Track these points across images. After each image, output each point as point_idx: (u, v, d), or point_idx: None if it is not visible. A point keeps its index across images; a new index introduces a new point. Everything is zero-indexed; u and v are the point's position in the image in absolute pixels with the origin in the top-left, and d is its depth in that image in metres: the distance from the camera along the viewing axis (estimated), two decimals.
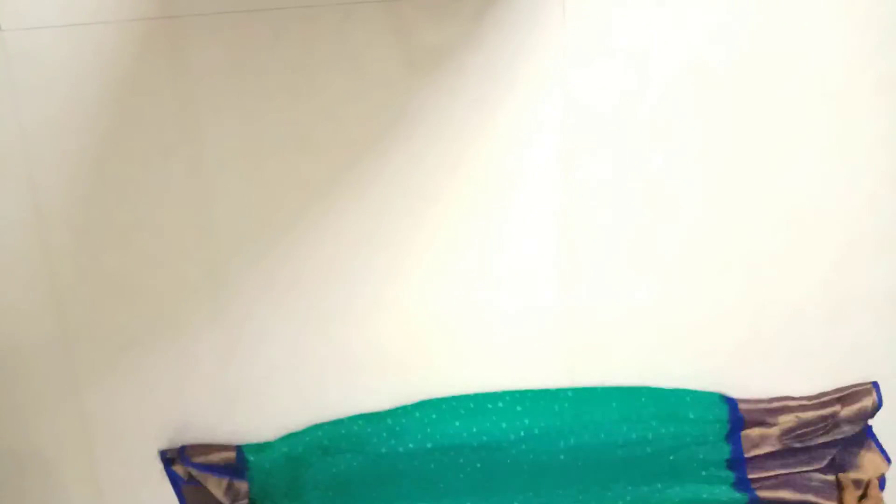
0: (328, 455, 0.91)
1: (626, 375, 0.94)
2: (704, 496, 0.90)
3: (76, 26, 0.85)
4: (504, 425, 0.87)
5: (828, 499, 0.92)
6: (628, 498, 0.90)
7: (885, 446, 0.94)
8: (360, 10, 0.84)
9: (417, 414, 0.90)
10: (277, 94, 0.87)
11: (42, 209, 0.92)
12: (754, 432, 0.90)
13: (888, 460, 0.93)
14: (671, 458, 0.89)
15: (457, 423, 0.88)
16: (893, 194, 0.90)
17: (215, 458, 0.92)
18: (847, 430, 0.91)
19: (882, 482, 0.94)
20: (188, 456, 0.92)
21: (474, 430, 0.87)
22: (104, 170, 0.90)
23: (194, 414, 0.98)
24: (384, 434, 0.89)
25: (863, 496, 0.91)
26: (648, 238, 0.91)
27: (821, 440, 0.91)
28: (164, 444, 0.99)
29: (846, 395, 0.91)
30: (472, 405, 0.89)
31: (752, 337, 0.94)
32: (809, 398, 0.91)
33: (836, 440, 0.91)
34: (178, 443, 0.98)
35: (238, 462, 0.93)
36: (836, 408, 0.89)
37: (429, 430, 0.88)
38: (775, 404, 0.90)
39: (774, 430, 0.90)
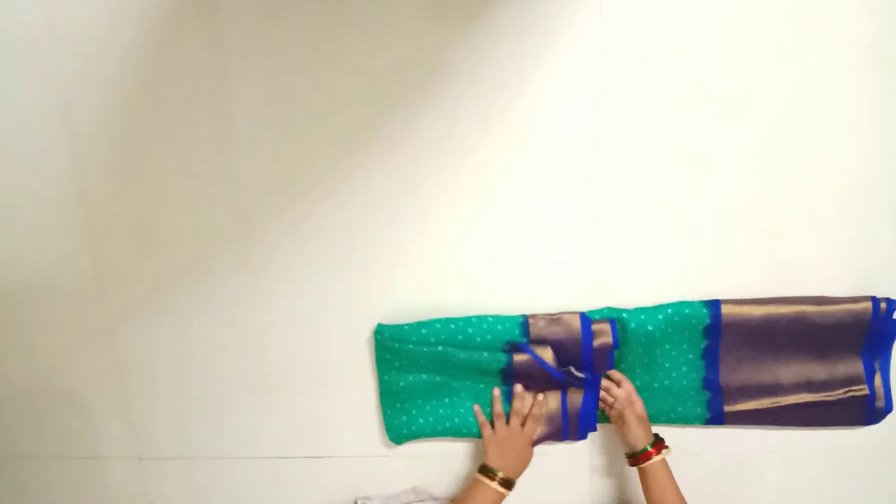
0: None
1: None
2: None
3: None
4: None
5: None
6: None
7: None
8: None
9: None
10: (307, 44, 0.89)
11: (79, 156, 0.95)
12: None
13: None
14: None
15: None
16: None
17: None
18: None
19: None
20: None
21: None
22: (138, 118, 0.93)
23: (223, 356, 1.03)
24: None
25: None
26: (676, 201, 0.92)
27: None
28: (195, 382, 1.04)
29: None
30: None
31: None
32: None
33: None
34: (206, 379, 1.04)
35: None
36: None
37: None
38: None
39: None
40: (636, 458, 0.91)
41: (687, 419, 0.98)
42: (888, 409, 0.96)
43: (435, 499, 1.04)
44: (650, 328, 0.92)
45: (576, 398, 0.95)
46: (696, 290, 0.94)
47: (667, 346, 0.95)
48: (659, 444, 0.92)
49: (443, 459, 1.04)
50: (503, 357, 0.93)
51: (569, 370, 0.93)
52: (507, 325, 0.93)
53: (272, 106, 0.92)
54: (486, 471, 0.93)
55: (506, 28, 0.87)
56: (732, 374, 0.96)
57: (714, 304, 0.93)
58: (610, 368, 0.95)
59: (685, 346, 0.95)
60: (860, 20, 0.85)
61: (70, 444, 1.10)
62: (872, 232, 0.92)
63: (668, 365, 0.96)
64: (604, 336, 0.92)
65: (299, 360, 1.02)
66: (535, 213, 0.94)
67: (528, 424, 0.95)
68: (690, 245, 0.94)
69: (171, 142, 0.94)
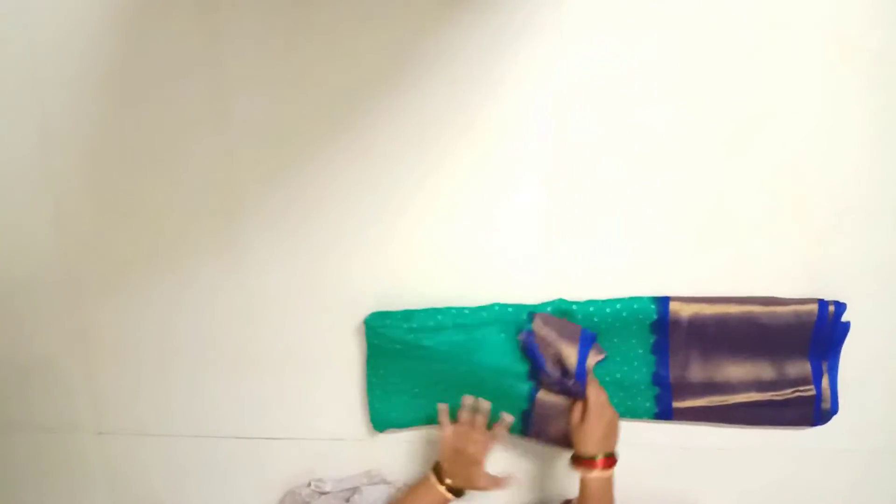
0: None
1: None
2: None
3: None
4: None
5: None
6: None
7: None
8: None
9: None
10: (293, 38, 0.91)
11: (49, 130, 0.97)
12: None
13: None
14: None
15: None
16: (878, 167, 0.90)
17: None
18: None
19: None
20: None
21: None
22: (112, 93, 0.95)
23: (186, 334, 1.04)
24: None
25: None
26: (632, 198, 0.93)
27: None
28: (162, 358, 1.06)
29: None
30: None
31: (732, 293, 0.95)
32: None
33: None
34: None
35: None
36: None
37: None
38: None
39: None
40: (581, 461, 0.86)
41: (636, 413, 0.99)
42: (833, 411, 0.97)
43: (388, 483, 1.05)
44: (596, 320, 0.94)
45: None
46: (651, 287, 0.95)
47: (615, 340, 0.96)
48: (610, 458, 0.87)
49: (402, 446, 1.06)
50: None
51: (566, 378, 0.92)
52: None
53: (261, 94, 0.93)
54: (437, 471, 0.94)
55: (472, 27, 0.88)
56: (682, 370, 0.97)
57: (662, 301, 0.94)
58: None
59: (634, 341, 0.96)
60: (821, 15, 0.85)
61: (31, 415, 1.12)
62: (828, 235, 0.93)
63: (618, 359, 0.97)
64: None
65: (260, 342, 1.03)
66: (497, 208, 0.95)
67: (480, 442, 0.92)
68: (646, 242, 0.94)
69: (157, 124, 0.96)
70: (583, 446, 0.86)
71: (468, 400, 0.97)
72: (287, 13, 0.90)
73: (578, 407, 0.90)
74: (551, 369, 0.91)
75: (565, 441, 0.93)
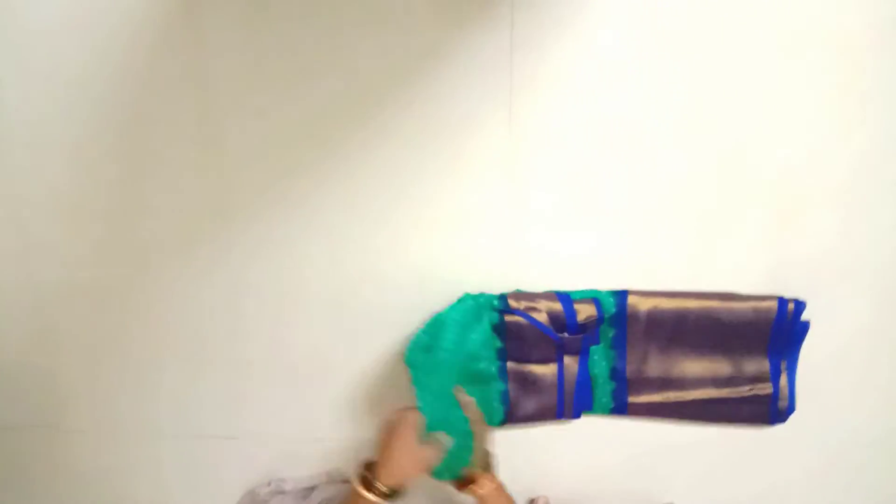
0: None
1: None
2: None
3: None
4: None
5: None
6: None
7: None
8: None
9: None
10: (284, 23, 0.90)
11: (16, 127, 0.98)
12: None
13: None
14: None
15: None
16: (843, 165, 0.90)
17: None
18: None
19: None
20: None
21: None
22: (84, 88, 0.95)
23: (150, 329, 1.05)
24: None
25: None
26: (595, 190, 0.92)
27: None
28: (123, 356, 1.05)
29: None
30: None
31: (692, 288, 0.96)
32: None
33: None
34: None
35: None
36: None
37: None
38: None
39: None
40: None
41: (593, 409, 0.99)
42: (790, 410, 0.97)
43: (348, 482, 1.04)
44: None
45: (573, 369, 0.95)
46: (611, 280, 0.95)
47: None
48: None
49: (365, 445, 1.05)
50: (494, 316, 0.93)
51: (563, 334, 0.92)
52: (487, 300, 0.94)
53: (249, 98, 0.93)
54: (364, 478, 0.85)
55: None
56: (639, 365, 0.97)
57: (621, 295, 0.94)
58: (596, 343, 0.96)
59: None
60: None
61: None
62: (789, 232, 0.93)
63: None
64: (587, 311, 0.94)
65: (221, 341, 1.03)
66: (465, 202, 0.95)
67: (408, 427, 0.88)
68: (606, 235, 0.94)
69: (138, 124, 0.96)
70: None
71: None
72: (274, 22, 0.90)
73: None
74: (548, 327, 0.92)
75: (546, 413, 0.94)
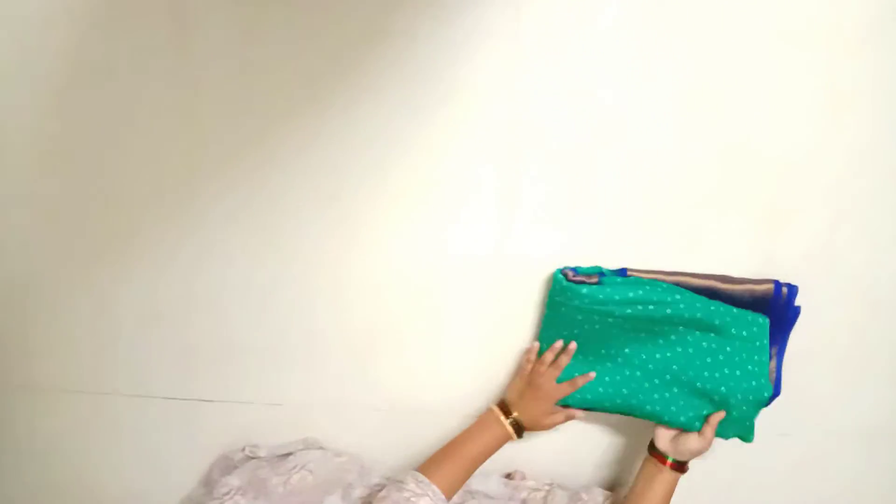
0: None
1: None
2: None
3: None
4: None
5: None
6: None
7: None
8: None
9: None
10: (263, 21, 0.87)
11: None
12: None
13: None
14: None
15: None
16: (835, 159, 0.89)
17: None
18: None
19: None
20: None
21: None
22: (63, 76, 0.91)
23: (118, 286, 1.01)
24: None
25: None
26: (594, 170, 0.90)
27: None
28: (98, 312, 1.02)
29: None
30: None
31: None
32: None
33: None
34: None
35: None
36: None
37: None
38: None
39: None
40: (671, 463, 0.91)
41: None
42: (775, 394, 0.97)
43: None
44: None
45: None
46: (612, 259, 0.94)
47: None
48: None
49: (342, 413, 1.04)
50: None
51: None
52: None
53: (227, 84, 0.90)
54: (503, 405, 0.93)
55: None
56: None
57: (620, 272, 0.92)
58: None
59: None
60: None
61: None
62: (781, 219, 0.92)
63: None
64: None
65: (199, 302, 1.00)
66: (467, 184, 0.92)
67: (557, 384, 0.92)
68: (607, 214, 0.92)
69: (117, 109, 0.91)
70: (684, 453, 0.91)
71: (558, 344, 0.93)
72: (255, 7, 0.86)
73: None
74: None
75: None
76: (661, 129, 0.88)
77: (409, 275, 0.97)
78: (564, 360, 0.92)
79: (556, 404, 0.93)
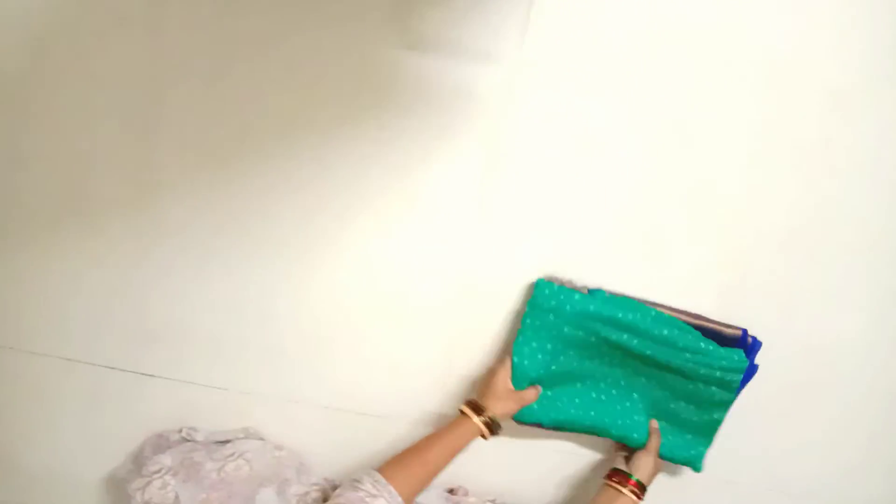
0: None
1: None
2: None
3: None
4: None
5: None
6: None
7: None
8: None
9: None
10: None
11: None
12: None
13: None
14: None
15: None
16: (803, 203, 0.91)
17: None
18: None
19: None
20: None
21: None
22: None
23: (82, 244, 0.97)
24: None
25: None
26: (569, 190, 0.91)
27: None
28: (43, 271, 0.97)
29: None
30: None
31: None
32: None
33: None
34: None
35: None
36: None
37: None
38: None
39: None
40: (634, 482, 0.90)
41: None
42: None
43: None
44: None
45: None
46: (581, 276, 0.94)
47: None
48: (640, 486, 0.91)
49: (285, 406, 1.00)
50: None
51: None
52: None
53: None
54: (473, 404, 0.90)
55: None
56: None
57: (598, 293, 0.92)
58: None
59: None
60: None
61: None
62: (745, 258, 0.93)
63: None
64: None
65: (154, 271, 0.96)
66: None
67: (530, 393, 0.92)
68: (580, 232, 0.92)
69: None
70: (638, 470, 0.92)
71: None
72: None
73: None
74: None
75: None
76: (639, 154, 0.89)
77: (375, 277, 0.95)
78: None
79: (523, 423, 0.93)
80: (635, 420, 0.95)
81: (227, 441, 0.97)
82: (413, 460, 0.84)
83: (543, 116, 0.87)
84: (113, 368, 1.00)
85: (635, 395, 0.95)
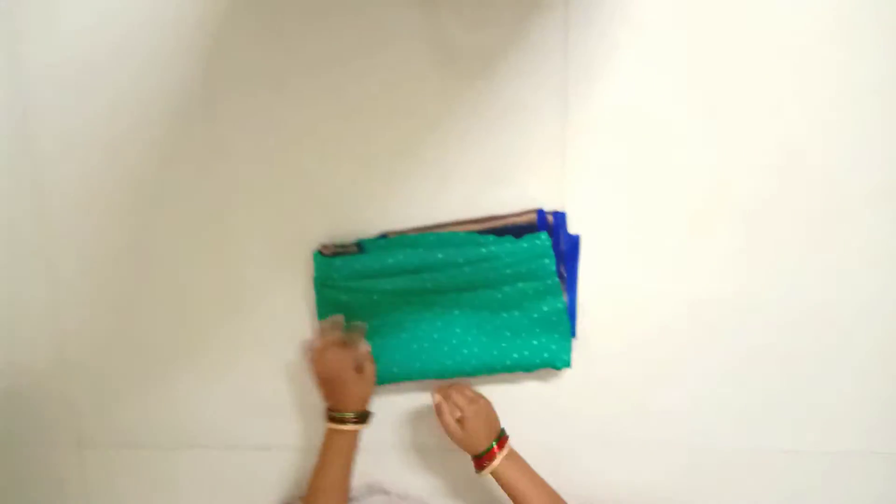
0: None
1: None
2: None
3: None
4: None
5: None
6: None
7: None
8: None
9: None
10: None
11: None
12: None
13: None
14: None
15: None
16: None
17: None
18: None
19: None
20: None
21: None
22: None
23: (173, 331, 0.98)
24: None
25: None
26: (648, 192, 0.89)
27: None
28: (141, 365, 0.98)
29: None
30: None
31: None
32: None
33: None
34: None
35: None
36: None
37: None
38: None
39: None
40: (481, 459, 0.85)
41: None
42: (572, 321, 0.92)
43: (387, 493, 0.98)
44: None
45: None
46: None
47: None
48: (502, 438, 0.86)
49: (393, 455, 0.99)
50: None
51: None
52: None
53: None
54: (331, 418, 0.85)
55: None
56: None
57: (381, 238, 0.89)
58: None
59: None
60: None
61: (8, 429, 1.04)
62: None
63: None
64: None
65: (256, 341, 0.97)
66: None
67: (342, 352, 0.85)
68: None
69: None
70: (475, 449, 0.85)
71: (323, 324, 0.90)
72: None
73: (449, 419, 0.85)
74: None
75: None
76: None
77: None
78: (333, 337, 0.86)
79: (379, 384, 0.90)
80: (466, 352, 0.90)
81: (353, 500, 0.97)
82: (317, 498, 0.84)
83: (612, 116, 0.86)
84: (227, 447, 1.01)
85: (458, 330, 0.90)
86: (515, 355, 0.91)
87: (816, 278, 0.89)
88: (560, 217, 0.88)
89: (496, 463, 0.84)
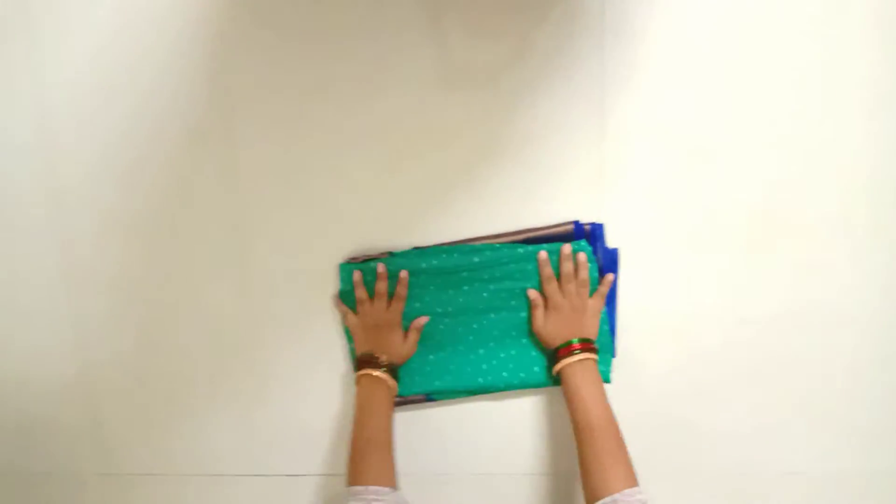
0: None
1: None
2: None
3: None
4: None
5: None
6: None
7: None
8: None
9: None
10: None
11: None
12: None
13: None
14: None
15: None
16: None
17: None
18: None
19: None
20: None
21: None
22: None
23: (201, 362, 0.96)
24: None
25: None
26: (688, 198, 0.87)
27: None
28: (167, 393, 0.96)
29: None
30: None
31: None
32: None
33: None
34: None
35: None
36: None
37: None
38: None
39: None
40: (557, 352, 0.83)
41: None
42: (612, 330, 0.89)
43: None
44: None
45: None
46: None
47: None
48: (586, 343, 0.83)
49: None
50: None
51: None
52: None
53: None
54: (364, 361, 0.85)
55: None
56: None
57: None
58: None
59: None
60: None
61: (30, 457, 1.01)
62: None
63: None
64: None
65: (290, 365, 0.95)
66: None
67: (394, 304, 0.86)
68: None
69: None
70: (551, 341, 0.85)
71: (357, 276, 0.87)
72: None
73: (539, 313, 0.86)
74: None
75: None
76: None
77: None
78: (382, 286, 0.86)
79: (410, 394, 0.90)
80: (496, 363, 0.89)
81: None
82: (365, 450, 0.80)
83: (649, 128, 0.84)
84: (259, 476, 0.98)
85: (492, 344, 0.88)
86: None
87: (871, 294, 0.87)
88: (598, 228, 0.86)
89: (567, 361, 0.81)
